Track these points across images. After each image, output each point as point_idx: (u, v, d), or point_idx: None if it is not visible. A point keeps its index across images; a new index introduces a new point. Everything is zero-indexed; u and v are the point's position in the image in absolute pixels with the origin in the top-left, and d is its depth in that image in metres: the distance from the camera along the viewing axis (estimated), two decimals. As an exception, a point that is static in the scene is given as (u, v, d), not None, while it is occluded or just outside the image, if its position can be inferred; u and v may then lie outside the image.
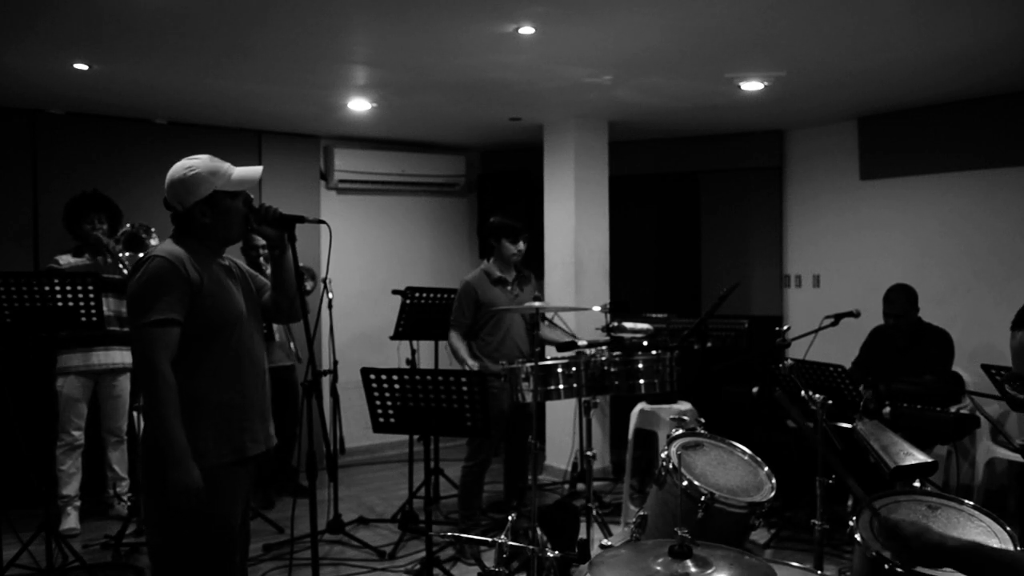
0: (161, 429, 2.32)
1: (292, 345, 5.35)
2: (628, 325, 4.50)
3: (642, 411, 4.84)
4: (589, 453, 4.06)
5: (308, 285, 5.23)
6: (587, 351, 4.00)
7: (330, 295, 5.18)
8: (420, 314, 5.12)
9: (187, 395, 2.38)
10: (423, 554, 3.78)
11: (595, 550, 3.79)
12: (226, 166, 2.52)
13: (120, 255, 4.52)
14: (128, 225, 4.56)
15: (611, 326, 4.55)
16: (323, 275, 4.96)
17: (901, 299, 4.67)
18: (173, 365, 2.35)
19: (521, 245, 4.60)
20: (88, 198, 4.67)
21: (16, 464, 4.77)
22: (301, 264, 5.16)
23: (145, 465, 2.43)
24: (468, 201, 7.28)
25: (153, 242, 4.49)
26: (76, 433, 4.64)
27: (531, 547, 3.17)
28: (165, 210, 2.55)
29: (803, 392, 3.19)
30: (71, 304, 3.86)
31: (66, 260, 4.62)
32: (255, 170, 2.58)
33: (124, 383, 4.77)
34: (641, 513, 3.02)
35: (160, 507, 2.38)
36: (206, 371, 2.44)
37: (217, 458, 2.42)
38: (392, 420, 3.57)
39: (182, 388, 2.37)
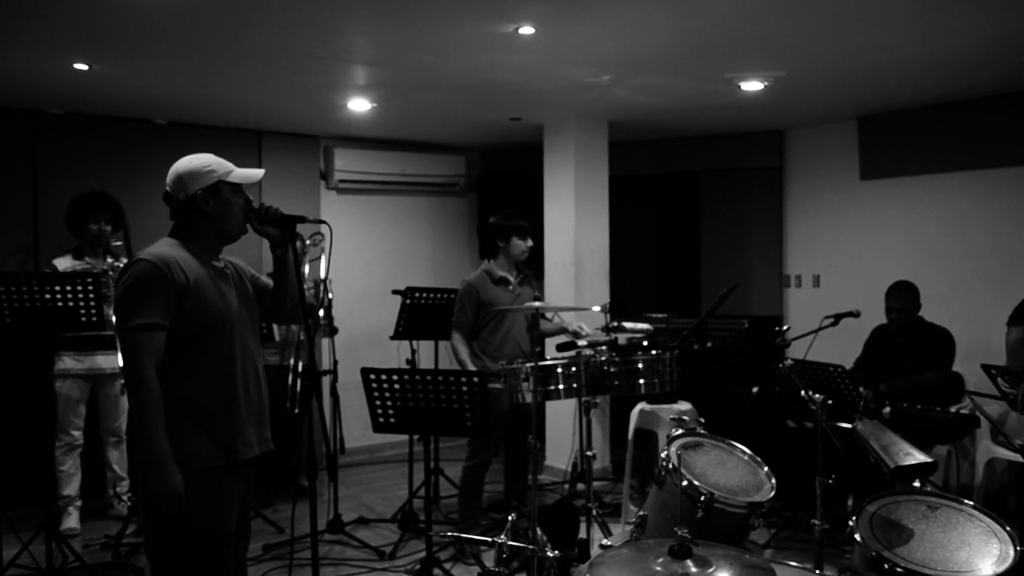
0: (143, 435, 2.32)
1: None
2: (628, 325, 4.50)
3: (642, 411, 4.84)
4: (589, 453, 4.06)
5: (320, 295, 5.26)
6: (589, 350, 4.00)
7: (330, 295, 5.18)
8: (420, 314, 5.13)
9: (177, 397, 2.38)
10: (423, 554, 3.78)
11: (595, 550, 3.80)
12: (229, 163, 2.57)
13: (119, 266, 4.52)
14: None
15: (611, 326, 4.55)
16: (324, 275, 4.96)
17: (904, 294, 4.70)
18: (163, 368, 2.35)
19: (530, 242, 4.64)
20: (96, 197, 4.67)
21: (16, 464, 4.78)
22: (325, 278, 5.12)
23: (139, 469, 2.44)
24: (468, 201, 7.28)
25: None
26: (75, 433, 4.64)
27: (531, 547, 3.17)
28: (165, 211, 2.56)
29: (803, 392, 3.19)
30: (71, 304, 3.86)
31: (64, 264, 4.61)
32: (257, 171, 2.63)
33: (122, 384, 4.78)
34: (641, 513, 3.02)
35: (151, 511, 2.38)
36: (196, 373, 2.43)
37: (205, 461, 2.41)
38: (392, 420, 3.57)
39: (172, 391, 2.36)
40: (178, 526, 2.36)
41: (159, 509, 2.32)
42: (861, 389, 4.26)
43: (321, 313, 5.17)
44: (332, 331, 5.32)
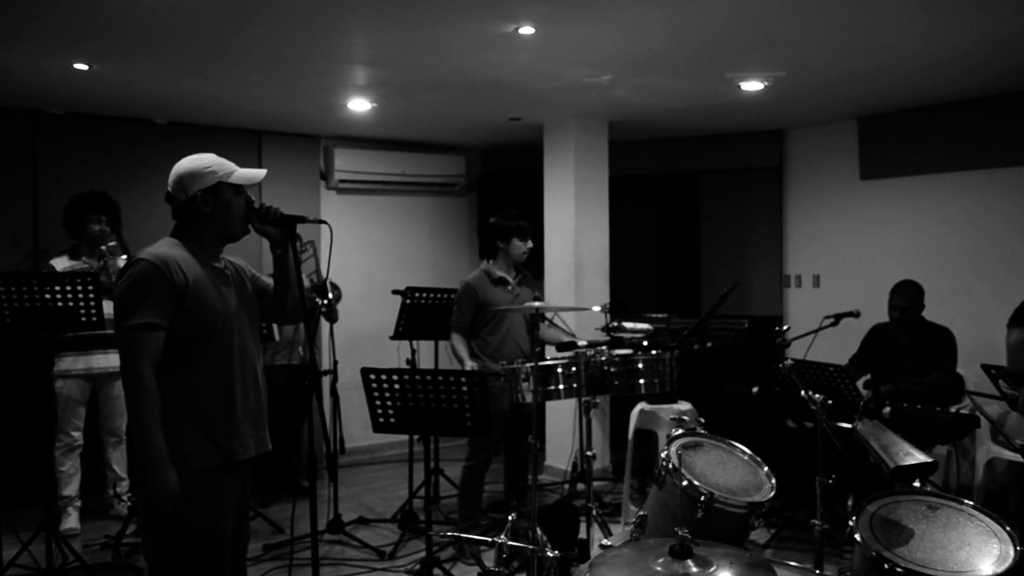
0: (140, 434, 2.33)
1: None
2: (628, 325, 4.50)
3: (642, 411, 4.84)
4: (589, 453, 4.06)
5: (332, 295, 5.24)
6: (589, 350, 4.00)
7: (330, 295, 5.18)
8: (420, 314, 5.13)
9: (174, 397, 2.39)
10: (423, 554, 3.79)
11: (595, 550, 3.79)
12: (232, 164, 2.58)
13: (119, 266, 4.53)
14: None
15: (611, 326, 4.54)
16: (325, 275, 4.96)
17: (909, 293, 4.69)
18: (162, 368, 2.36)
19: (530, 243, 4.64)
20: (95, 197, 4.67)
21: (16, 464, 4.78)
22: (328, 280, 5.14)
23: (137, 468, 2.45)
24: (468, 201, 7.28)
25: None
26: (75, 434, 4.64)
27: (531, 547, 3.17)
28: (164, 211, 2.58)
29: (803, 392, 3.19)
30: (71, 304, 3.86)
31: (62, 264, 4.61)
32: (259, 171, 2.64)
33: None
34: (641, 513, 3.02)
35: (148, 510, 2.39)
36: (194, 374, 2.44)
37: (201, 462, 2.42)
38: (392, 420, 3.57)
39: (170, 390, 2.38)
40: (175, 526, 2.37)
41: (155, 508, 2.33)
42: (862, 389, 4.26)
43: (326, 301, 5.14)
44: (334, 303, 5.23)
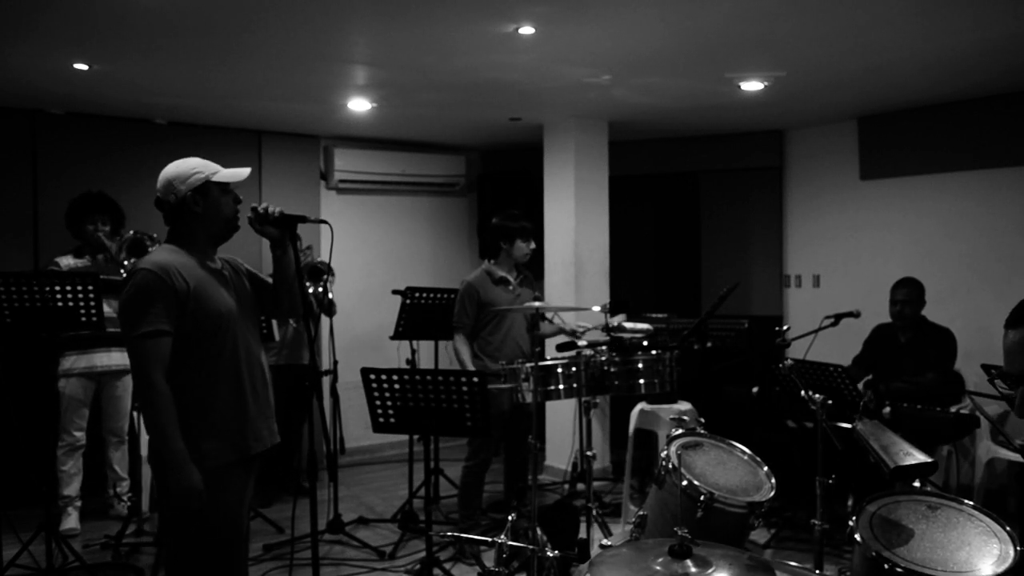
0: (160, 438, 2.39)
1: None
2: (628, 325, 4.49)
3: (642, 411, 4.84)
4: (589, 453, 4.06)
5: (330, 282, 5.21)
6: (589, 350, 4.00)
7: (330, 295, 5.18)
8: (420, 314, 5.13)
9: (188, 399, 2.44)
10: (423, 554, 3.78)
11: (595, 550, 3.79)
12: (216, 165, 2.63)
13: (123, 261, 4.52)
14: (131, 232, 4.56)
15: (611, 326, 4.54)
16: (325, 275, 4.96)
17: (911, 286, 4.72)
18: (172, 371, 2.41)
19: (533, 244, 4.65)
20: (94, 198, 4.68)
21: (16, 464, 4.78)
22: (320, 260, 5.16)
23: (155, 473, 2.51)
24: (468, 201, 7.28)
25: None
26: (77, 434, 4.64)
27: (531, 547, 3.17)
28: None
29: (803, 392, 3.19)
30: (71, 304, 3.86)
31: (66, 262, 4.62)
32: (242, 170, 2.67)
33: (126, 384, 4.77)
34: (641, 513, 3.02)
35: (172, 513, 2.46)
36: (204, 374, 2.49)
37: (219, 458, 2.48)
38: (392, 420, 3.57)
39: (182, 393, 2.43)
40: (199, 522, 2.45)
41: (181, 506, 2.39)
42: (861, 388, 4.26)
43: (320, 288, 5.12)
44: (328, 287, 5.19)
